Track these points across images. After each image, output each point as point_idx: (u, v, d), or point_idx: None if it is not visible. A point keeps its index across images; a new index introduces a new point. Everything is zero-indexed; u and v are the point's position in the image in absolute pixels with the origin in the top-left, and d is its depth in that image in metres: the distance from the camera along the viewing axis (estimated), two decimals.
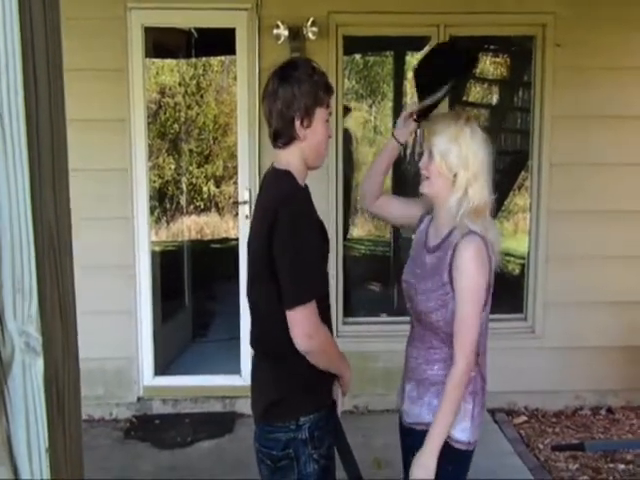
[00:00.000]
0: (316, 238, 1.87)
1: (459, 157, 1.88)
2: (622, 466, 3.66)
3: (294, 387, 1.93)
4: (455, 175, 1.89)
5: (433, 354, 1.96)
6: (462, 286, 1.85)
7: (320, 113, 1.89)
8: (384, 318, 4.56)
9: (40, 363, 0.79)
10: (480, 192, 1.89)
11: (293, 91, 1.85)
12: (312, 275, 1.83)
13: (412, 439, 2.02)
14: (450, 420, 1.86)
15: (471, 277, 1.85)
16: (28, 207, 0.78)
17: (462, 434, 1.92)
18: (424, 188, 1.98)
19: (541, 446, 3.92)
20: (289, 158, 1.95)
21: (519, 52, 4.95)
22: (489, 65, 5.77)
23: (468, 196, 1.87)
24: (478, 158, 1.88)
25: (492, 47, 5.43)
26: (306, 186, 1.97)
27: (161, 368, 4.39)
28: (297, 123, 1.88)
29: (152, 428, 4.13)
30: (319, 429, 1.91)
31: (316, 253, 1.86)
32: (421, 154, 2.01)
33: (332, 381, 2.01)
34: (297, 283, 1.79)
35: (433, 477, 1.85)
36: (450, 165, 1.89)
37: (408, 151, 5.85)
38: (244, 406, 4.29)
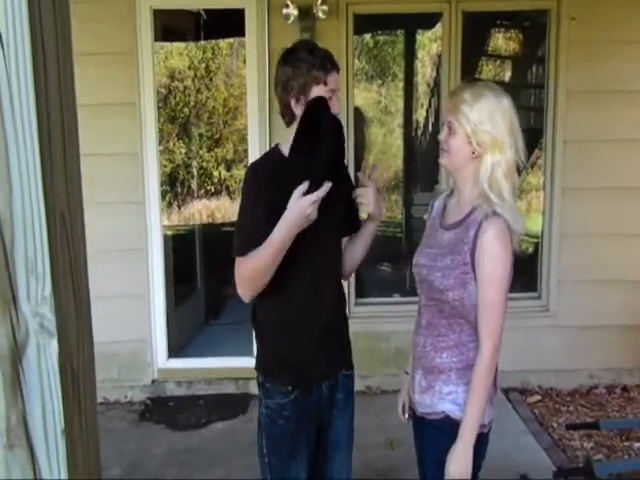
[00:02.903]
0: (251, 207, 2.00)
1: (479, 133, 1.81)
2: (637, 444, 3.65)
3: (259, 344, 2.22)
4: (474, 152, 1.84)
5: (441, 342, 1.93)
6: (487, 271, 1.80)
7: (317, 91, 1.97)
8: (396, 298, 4.55)
9: (54, 344, 0.79)
10: (501, 170, 1.82)
11: (288, 73, 1.98)
12: (237, 235, 2.01)
13: (425, 428, 2.00)
14: (481, 410, 1.83)
15: (497, 261, 1.80)
16: (40, 190, 0.77)
17: None
18: (443, 160, 1.93)
19: (555, 425, 3.92)
20: (290, 135, 2.02)
21: (533, 27, 4.87)
22: (502, 41, 5.69)
23: (489, 174, 1.82)
24: (500, 136, 1.81)
25: (505, 22, 5.36)
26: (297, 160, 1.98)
27: (175, 350, 4.41)
28: (292, 102, 1.99)
29: (166, 410, 4.17)
30: (270, 384, 2.14)
31: (247, 219, 2.00)
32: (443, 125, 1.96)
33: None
34: (234, 239, 2.01)
35: (471, 471, 1.82)
36: (469, 140, 1.83)
37: (419, 131, 5.81)
38: (257, 387, 4.31)
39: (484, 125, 1.80)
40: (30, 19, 0.75)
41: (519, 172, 1.92)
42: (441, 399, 1.92)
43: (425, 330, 1.98)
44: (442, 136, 1.91)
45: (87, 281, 0.90)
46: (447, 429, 1.87)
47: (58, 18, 0.83)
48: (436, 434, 1.94)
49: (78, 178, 0.89)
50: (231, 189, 10.75)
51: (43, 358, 0.79)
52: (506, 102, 1.85)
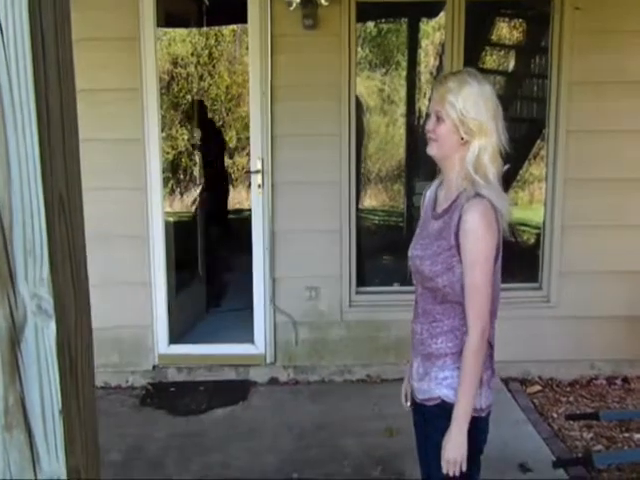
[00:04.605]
0: None
1: (466, 120, 1.84)
2: (637, 435, 3.65)
3: None
4: (462, 138, 1.87)
5: (436, 327, 1.95)
6: (470, 253, 1.83)
7: None
8: (397, 287, 4.55)
9: (52, 326, 0.79)
10: (487, 154, 1.85)
11: None
12: None
13: (423, 414, 2.02)
14: (472, 393, 1.85)
15: (480, 242, 1.82)
16: (38, 172, 0.77)
17: None
18: (432, 150, 1.96)
19: (555, 415, 3.92)
20: None
21: (536, 16, 4.85)
22: (505, 30, 5.65)
23: (475, 158, 1.85)
24: (485, 121, 1.85)
25: (509, 12, 5.32)
26: None
27: (176, 337, 4.42)
28: None
29: (167, 395, 4.18)
30: None
31: None
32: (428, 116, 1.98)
33: None
34: None
35: (466, 455, 1.84)
36: (457, 128, 1.86)
37: (422, 120, 5.79)
38: (258, 374, 4.33)
39: (470, 112, 1.85)
40: (29, 2, 0.75)
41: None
42: (437, 384, 1.94)
43: (421, 317, 2.01)
44: (430, 126, 1.94)
45: (86, 264, 0.90)
46: (444, 414, 1.89)
47: (57, 1, 0.82)
48: (434, 419, 1.95)
49: (77, 161, 0.89)
50: (233, 176, 10.73)
51: (41, 340, 0.79)
52: (488, 88, 1.90)
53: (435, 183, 2.09)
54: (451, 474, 1.86)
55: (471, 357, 1.84)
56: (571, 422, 3.78)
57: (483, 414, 1.93)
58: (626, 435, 3.66)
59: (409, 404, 2.17)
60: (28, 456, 0.82)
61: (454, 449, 1.84)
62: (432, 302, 1.95)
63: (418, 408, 2.06)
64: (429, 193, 2.09)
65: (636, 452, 3.52)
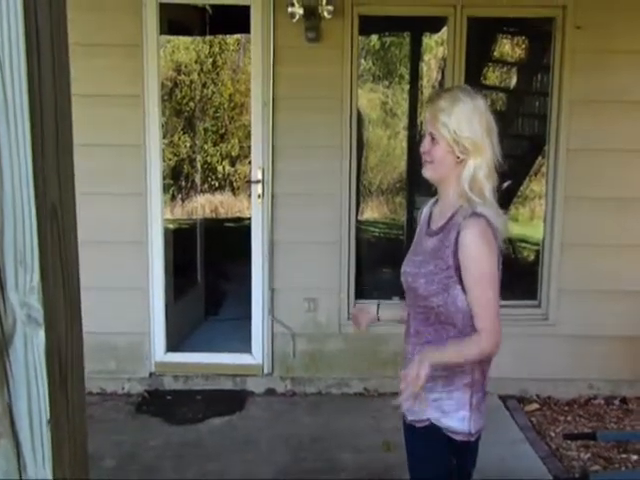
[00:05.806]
0: None
1: (460, 139, 1.83)
2: (635, 457, 3.61)
3: None
4: (458, 157, 1.86)
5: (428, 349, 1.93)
6: (475, 271, 1.81)
7: None
8: (396, 301, 4.53)
9: (42, 335, 0.78)
10: (482, 172, 1.84)
11: None
12: None
13: (414, 436, 2.00)
14: (442, 360, 1.83)
15: (481, 261, 1.81)
16: (30, 181, 0.77)
17: (461, 423, 1.88)
18: (427, 172, 1.94)
19: (552, 434, 3.89)
20: None
21: (538, 34, 4.86)
22: (507, 48, 5.67)
23: (470, 177, 1.84)
24: (480, 138, 1.84)
25: (510, 29, 5.34)
26: None
27: (173, 344, 4.41)
28: None
29: (164, 403, 4.16)
30: None
31: None
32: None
33: None
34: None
35: (424, 376, 1.77)
36: (452, 148, 1.85)
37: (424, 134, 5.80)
38: (255, 385, 4.31)
39: (464, 131, 1.83)
40: (24, 5, 0.74)
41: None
42: (427, 406, 1.91)
43: (414, 338, 1.98)
44: (425, 147, 1.93)
45: (78, 273, 0.89)
46: (432, 435, 1.86)
47: (53, 3, 0.82)
48: (421, 439, 1.93)
49: (71, 169, 0.88)
50: (235, 185, 10.75)
51: (30, 349, 0.78)
52: (481, 103, 1.88)
53: (431, 201, 2.08)
54: (402, 387, 1.81)
55: (474, 349, 1.81)
56: (569, 442, 3.75)
57: (472, 439, 1.91)
58: (623, 456, 3.62)
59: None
60: (15, 465, 0.81)
61: (413, 367, 1.79)
62: (424, 323, 1.93)
63: (408, 428, 2.03)
64: (425, 209, 2.08)
65: (633, 473, 3.50)
